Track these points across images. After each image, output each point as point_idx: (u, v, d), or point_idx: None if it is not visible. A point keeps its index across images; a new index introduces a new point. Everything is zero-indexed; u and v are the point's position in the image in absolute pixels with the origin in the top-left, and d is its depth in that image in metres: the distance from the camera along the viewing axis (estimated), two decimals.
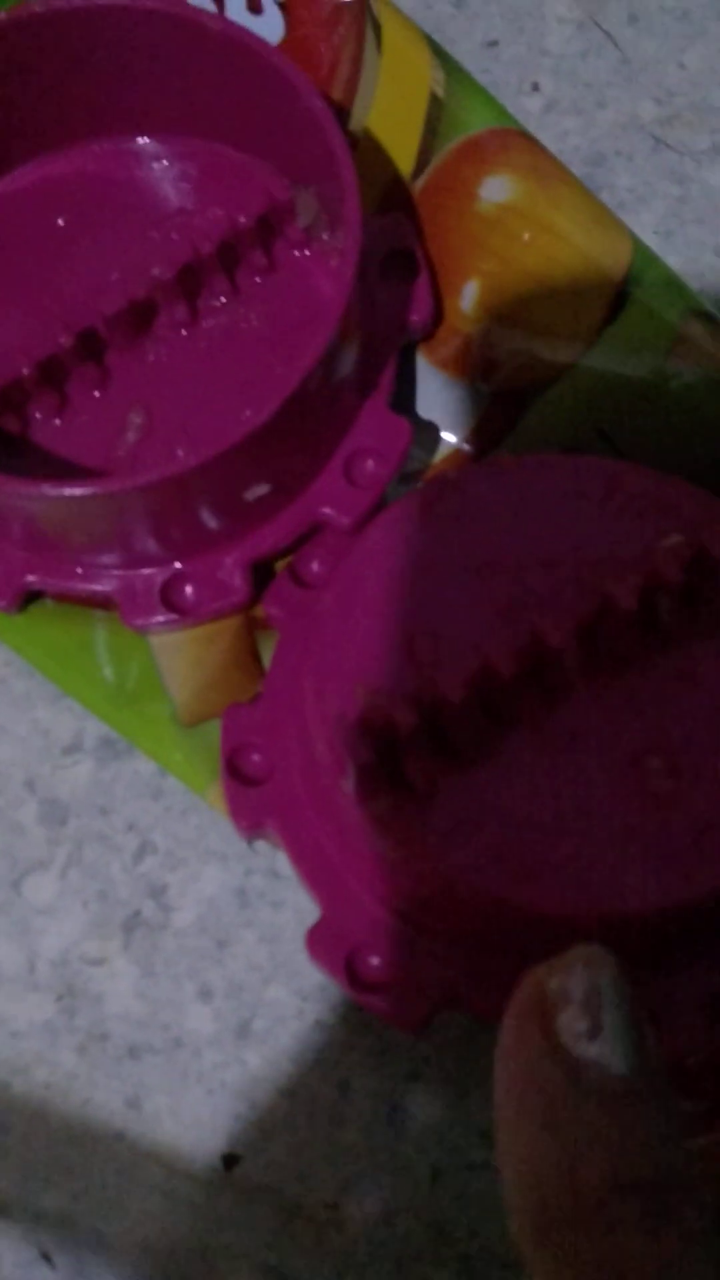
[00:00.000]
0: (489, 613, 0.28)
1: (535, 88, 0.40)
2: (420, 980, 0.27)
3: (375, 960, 0.28)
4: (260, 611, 0.33)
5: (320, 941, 0.28)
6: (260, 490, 0.31)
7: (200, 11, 0.32)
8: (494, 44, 0.40)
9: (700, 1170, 0.19)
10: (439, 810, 0.26)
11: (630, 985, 0.19)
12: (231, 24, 0.32)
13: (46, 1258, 0.30)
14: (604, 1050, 0.18)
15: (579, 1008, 0.18)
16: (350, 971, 0.27)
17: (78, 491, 0.28)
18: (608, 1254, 0.17)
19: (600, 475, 0.30)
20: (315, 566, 0.33)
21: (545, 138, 0.38)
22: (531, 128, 0.37)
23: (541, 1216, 0.17)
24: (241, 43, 0.32)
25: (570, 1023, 0.18)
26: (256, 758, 0.30)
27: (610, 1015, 0.18)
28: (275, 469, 0.31)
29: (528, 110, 0.39)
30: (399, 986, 0.27)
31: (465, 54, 0.39)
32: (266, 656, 0.33)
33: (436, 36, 0.38)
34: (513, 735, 0.27)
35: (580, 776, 0.27)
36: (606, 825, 0.26)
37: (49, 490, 0.28)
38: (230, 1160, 0.31)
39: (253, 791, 0.30)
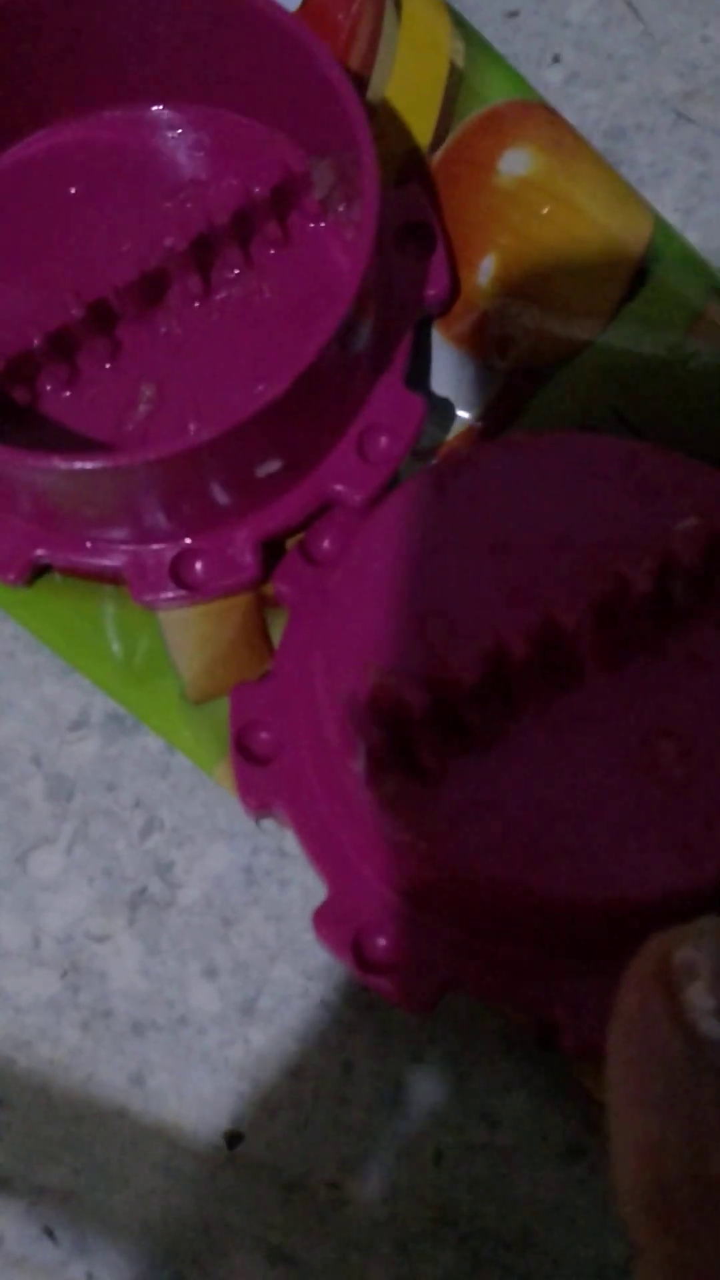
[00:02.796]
0: (502, 593, 0.28)
1: (556, 59, 0.39)
2: (426, 961, 0.27)
3: (382, 941, 0.28)
4: (270, 589, 0.33)
5: (327, 922, 0.28)
6: (272, 466, 0.31)
7: None
8: (515, 14, 0.40)
9: None
10: (449, 793, 0.26)
11: None
12: None
13: (49, 1233, 0.30)
14: None
15: (709, 983, 0.17)
16: (357, 952, 0.28)
17: (89, 465, 0.28)
18: None
19: (617, 455, 0.30)
20: (326, 544, 0.33)
21: (565, 110, 0.37)
22: (552, 100, 0.37)
23: (661, 1202, 0.17)
24: (259, 9, 0.31)
25: (699, 998, 0.17)
26: (265, 736, 0.30)
27: None
28: (288, 445, 0.31)
29: (548, 82, 0.39)
30: (405, 967, 0.27)
31: (485, 24, 0.39)
32: (276, 634, 0.33)
33: (457, 6, 0.38)
34: (524, 718, 0.27)
35: (591, 760, 0.27)
36: (617, 809, 0.26)
37: (60, 464, 0.28)
38: (233, 1138, 0.31)
39: (261, 770, 0.30)
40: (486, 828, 0.26)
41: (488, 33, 0.38)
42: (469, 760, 0.26)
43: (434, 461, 0.34)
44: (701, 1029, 0.17)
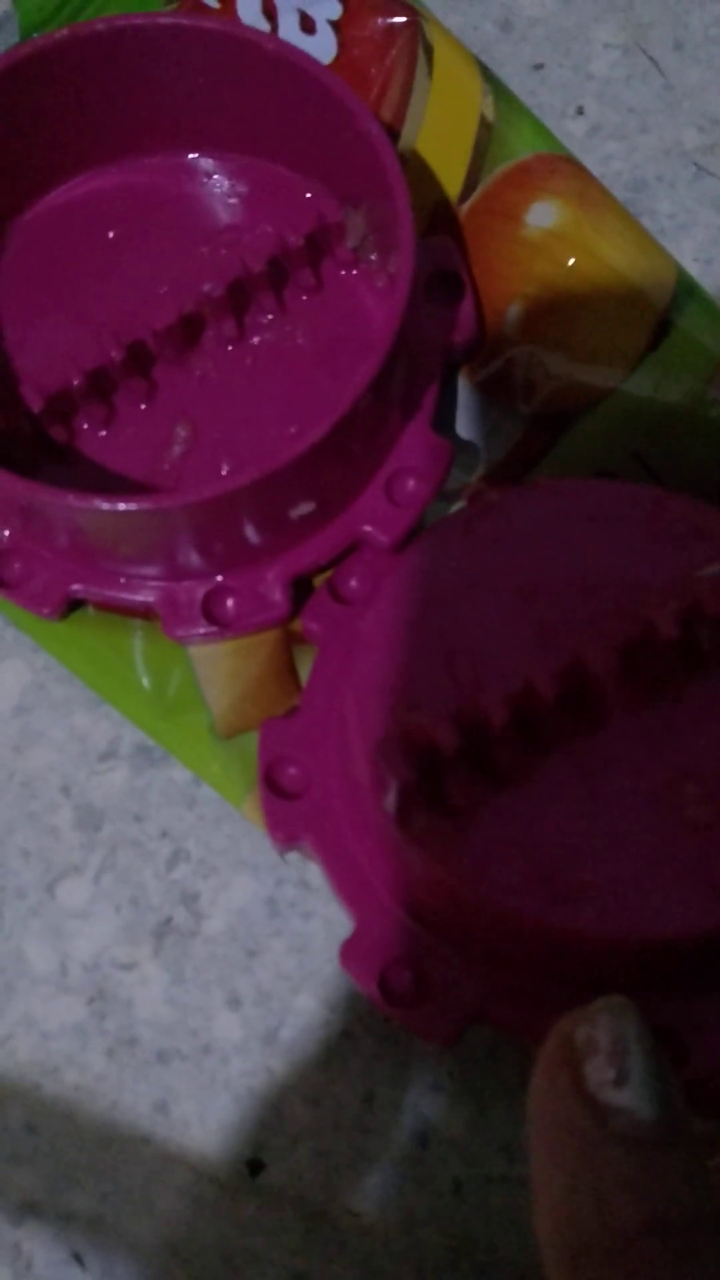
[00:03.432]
0: (530, 635, 0.29)
1: (580, 111, 0.40)
2: (451, 995, 0.28)
3: (407, 974, 0.28)
4: (298, 626, 0.33)
5: (354, 955, 0.29)
6: (306, 508, 0.32)
7: (256, 32, 0.33)
8: (540, 67, 0.41)
9: None
10: (477, 831, 0.27)
11: (654, 1033, 0.20)
12: (286, 45, 0.32)
13: (78, 1258, 0.30)
14: (631, 1097, 0.19)
15: (606, 1056, 0.19)
16: (383, 985, 0.28)
17: (129, 507, 0.29)
18: None
19: (641, 501, 0.31)
20: (354, 583, 0.33)
21: (588, 162, 0.38)
22: (575, 151, 0.38)
23: (575, 1254, 0.18)
24: (296, 64, 0.32)
25: (598, 1071, 0.19)
26: (293, 771, 0.31)
27: (636, 1063, 0.19)
28: (321, 487, 0.32)
29: (571, 134, 0.40)
30: (430, 1002, 0.28)
31: (511, 77, 0.40)
32: (303, 670, 0.34)
33: (483, 58, 0.39)
34: (551, 758, 0.28)
35: (616, 801, 0.27)
36: (642, 850, 0.27)
37: (102, 504, 0.29)
38: (255, 1166, 0.32)
39: (289, 805, 0.30)
40: (513, 865, 0.26)
41: (513, 85, 0.39)
42: (497, 799, 0.27)
43: (460, 504, 0.34)
44: (601, 1099, 0.19)
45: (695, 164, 0.40)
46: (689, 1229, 0.18)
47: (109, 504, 0.29)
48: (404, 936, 0.29)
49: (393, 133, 0.36)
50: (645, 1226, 0.18)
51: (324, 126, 0.33)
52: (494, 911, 0.26)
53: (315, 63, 0.32)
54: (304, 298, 0.35)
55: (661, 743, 0.28)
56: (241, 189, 0.36)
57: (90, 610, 0.34)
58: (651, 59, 0.41)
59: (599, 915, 0.26)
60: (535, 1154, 0.20)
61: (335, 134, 0.33)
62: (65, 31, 0.32)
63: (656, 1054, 0.20)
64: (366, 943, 0.29)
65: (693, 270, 0.37)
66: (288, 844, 0.30)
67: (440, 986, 0.28)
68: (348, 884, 0.30)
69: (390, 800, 0.27)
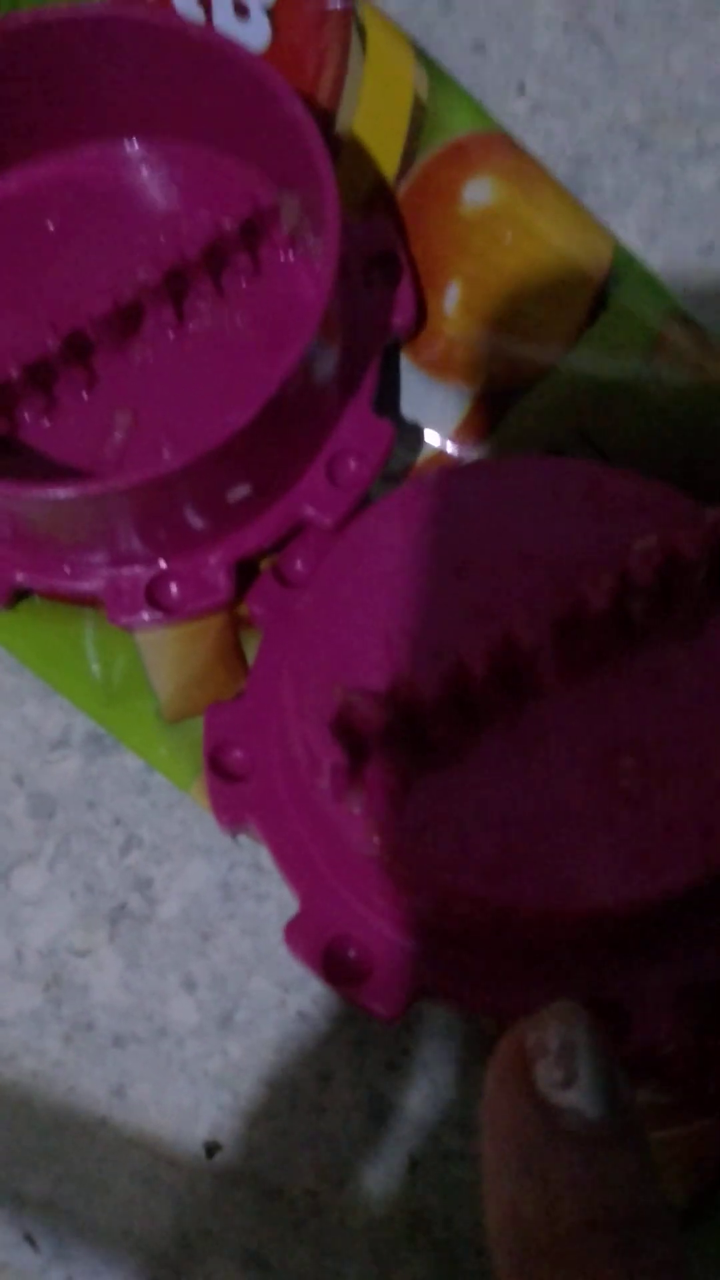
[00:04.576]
0: (465, 612, 0.29)
1: (521, 90, 0.40)
2: (397, 972, 0.28)
3: (353, 952, 0.28)
4: (245, 610, 0.33)
5: (299, 934, 0.28)
6: (242, 491, 0.31)
7: (181, 21, 0.33)
8: (481, 46, 0.40)
9: (671, 1159, 0.19)
10: (413, 807, 0.27)
11: (603, 1036, 0.20)
12: (212, 32, 0.32)
13: (30, 1240, 0.30)
14: (579, 1098, 0.19)
15: (555, 1058, 0.20)
16: (328, 962, 0.28)
17: (63, 494, 0.29)
18: None
19: (580, 477, 0.31)
20: (299, 565, 0.33)
21: (531, 139, 0.38)
22: (518, 130, 0.38)
23: (522, 1252, 0.19)
24: (222, 50, 0.32)
25: (547, 1073, 0.20)
26: (238, 754, 0.31)
27: (584, 1065, 0.20)
28: (258, 470, 0.32)
29: (514, 112, 0.40)
30: (376, 978, 0.28)
31: (452, 56, 0.39)
32: (251, 654, 0.34)
33: (423, 39, 0.38)
34: (486, 734, 0.27)
35: (553, 775, 0.27)
36: (579, 823, 0.27)
37: (36, 493, 0.29)
38: (212, 1148, 0.32)
39: (234, 788, 0.30)
40: (452, 841, 0.26)
41: (455, 65, 0.38)
42: (433, 776, 0.27)
43: (402, 484, 0.34)
44: (551, 1100, 0.19)
45: (639, 138, 0.39)
46: (634, 1225, 0.19)
47: (42, 492, 0.29)
48: (348, 914, 0.29)
49: (328, 115, 0.36)
50: (591, 1223, 0.18)
51: (254, 112, 0.33)
52: (433, 887, 0.26)
53: (241, 49, 0.32)
54: (242, 283, 0.35)
55: (596, 715, 0.28)
56: (177, 176, 0.35)
57: (37, 600, 0.34)
58: (592, 34, 0.41)
59: (537, 888, 0.26)
60: (486, 1157, 0.20)
61: (265, 119, 0.33)
62: None
63: (604, 1055, 0.20)
64: (311, 921, 0.29)
65: (637, 244, 0.37)
66: (233, 826, 0.30)
67: (385, 963, 0.28)
68: (292, 864, 0.30)
69: (325, 779, 0.27)
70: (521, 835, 0.27)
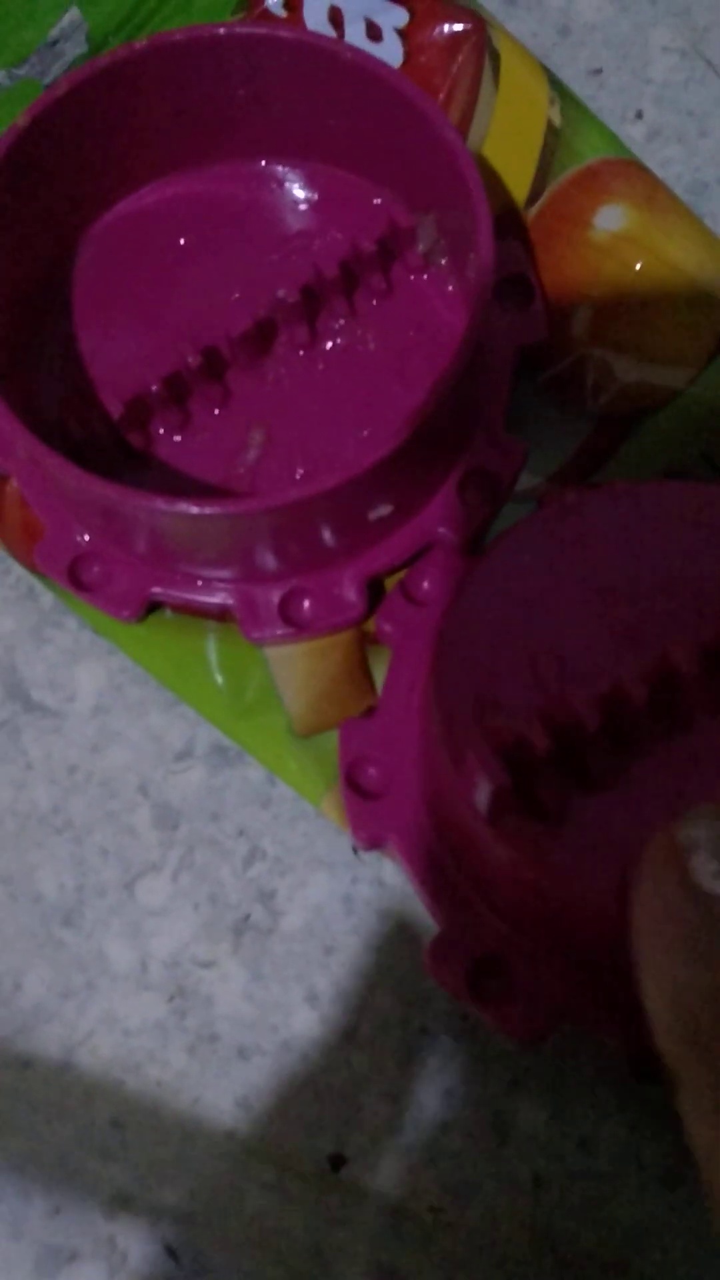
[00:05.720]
0: (613, 636, 0.28)
1: (639, 115, 0.40)
2: (540, 995, 0.27)
3: (496, 975, 0.28)
4: (371, 625, 0.33)
5: (440, 957, 0.28)
6: (383, 511, 0.31)
7: (333, 41, 0.32)
8: (598, 72, 0.40)
9: None
10: (568, 832, 0.26)
11: None
12: (363, 53, 0.32)
13: (171, 1252, 0.30)
14: None
15: (709, 850, 0.20)
16: (471, 985, 0.28)
17: (214, 511, 0.29)
18: None
19: (715, 501, 0.30)
20: (426, 585, 0.33)
21: (648, 165, 0.38)
22: (634, 155, 0.37)
23: (694, 1034, 0.20)
24: (373, 72, 0.32)
25: (702, 865, 0.20)
26: (373, 771, 0.31)
27: None
28: (399, 491, 0.31)
29: (631, 138, 0.39)
30: (519, 1001, 0.27)
31: (570, 81, 0.39)
32: (375, 669, 0.33)
33: (545, 63, 0.38)
34: (639, 759, 0.27)
35: (705, 799, 0.27)
36: None
37: (189, 509, 0.28)
38: (337, 1161, 0.31)
39: (371, 805, 0.30)
40: (605, 866, 0.26)
41: (573, 90, 0.38)
42: (587, 799, 0.27)
43: (529, 505, 0.34)
44: (706, 888, 0.20)
45: None
46: None
47: (196, 508, 0.28)
48: (491, 937, 0.28)
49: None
50: None
51: (398, 133, 0.32)
52: (586, 912, 0.26)
53: (394, 71, 0.32)
54: (374, 302, 0.34)
55: None
56: (312, 196, 0.35)
57: (167, 613, 0.34)
58: (709, 62, 0.40)
59: None
60: (644, 951, 0.21)
61: (410, 141, 0.32)
62: (144, 43, 0.31)
63: None
64: (452, 943, 0.28)
65: None
66: (371, 845, 0.30)
67: (528, 986, 0.28)
68: (431, 884, 0.29)
69: (483, 801, 0.26)
70: None
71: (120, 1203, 0.31)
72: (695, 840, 0.21)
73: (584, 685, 0.27)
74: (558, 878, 0.26)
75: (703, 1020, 0.20)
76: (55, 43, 0.37)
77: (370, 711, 0.32)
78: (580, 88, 0.40)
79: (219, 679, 0.34)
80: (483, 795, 0.26)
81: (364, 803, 0.30)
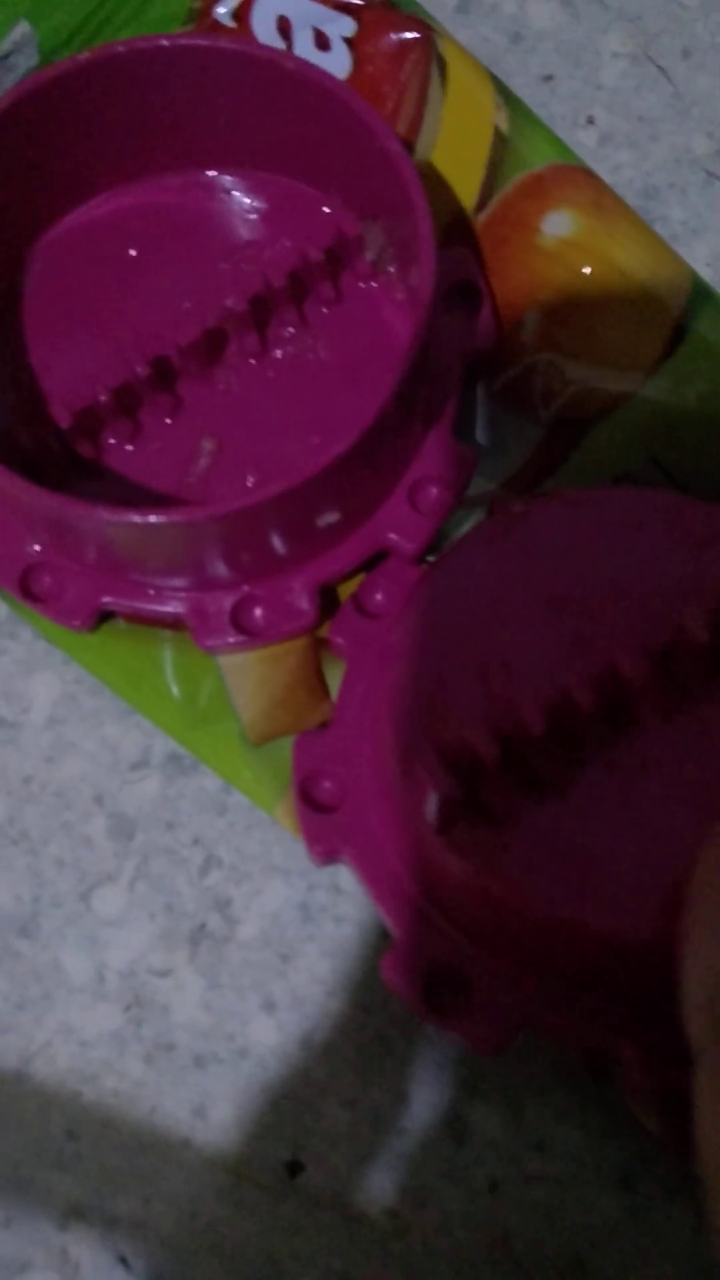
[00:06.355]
0: (562, 644, 0.28)
1: (590, 121, 0.40)
2: (497, 1004, 0.27)
3: (451, 985, 0.28)
4: (325, 633, 0.33)
5: (396, 967, 0.28)
6: (332, 518, 0.31)
7: (275, 51, 0.32)
8: (549, 78, 0.40)
9: None
10: (518, 839, 0.26)
11: None
12: (305, 63, 0.32)
13: (124, 1261, 0.30)
14: None
15: None
16: (428, 997, 0.27)
17: (160, 519, 0.28)
18: None
19: (662, 508, 0.30)
20: (379, 597, 0.33)
21: (600, 171, 0.37)
22: (586, 161, 0.37)
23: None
24: (315, 82, 0.31)
25: None
26: (328, 785, 0.30)
27: None
28: (347, 497, 0.31)
29: (582, 144, 0.39)
30: (476, 1011, 0.27)
31: (521, 88, 0.39)
32: (329, 676, 0.33)
33: (492, 71, 0.38)
34: (588, 765, 0.27)
35: (655, 805, 0.27)
36: (682, 853, 0.26)
37: (134, 518, 0.28)
38: (294, 1168, 0.31)
39: (326, 819, 0.30)
40: (555, 872, 0.26)
41: (523, 96, 0.38)
42: (536, 806, 0.26)
43: (480, 511, 0.34)
44: None
45: (705, 170, 0.39)
46: None
47: (140, 517, 0.28)
48: (446, 946, 0.28)
49: (408, 146, 0.35)
50: None
51: (343, 143, 0.32)
52: (537, 919, 0.26)
53: (335, 80, 0.32)
54: (324, 310, 0.34)
55: (695, 744, 0.27)
56: (260, 205, 0.35)
57: (120, 622, 0.33)
58: (660, 68, 0.40)
59: (640, 919, 0.26)
60: (693, 933, 0.21)
61: (354, 150, 0.32)
62: (88, 55, 0.31)
63: None
64: (408, 954, 0.28)
65: (706, 275, 0.37)
66: (326, 858, 0.30)
67: (485, 996, 0.28)
68: (387, 895, 0.29)
69: (431, 811, 0.26)
70: (626, 866, 0.26)
71: (73, 1213, 0.30)
72: None
73: (531, 692, 0.27)
74: (508, 885, 0.26)
75: None
76: (7, 56, 0.36)
77: (325, 725, 0.32)
78: (531, 94, 0.40)
79: (175, 689, 0.33)
80: (431, 805, 0.26)
81: (318, 816, 0.30)
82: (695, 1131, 0.20)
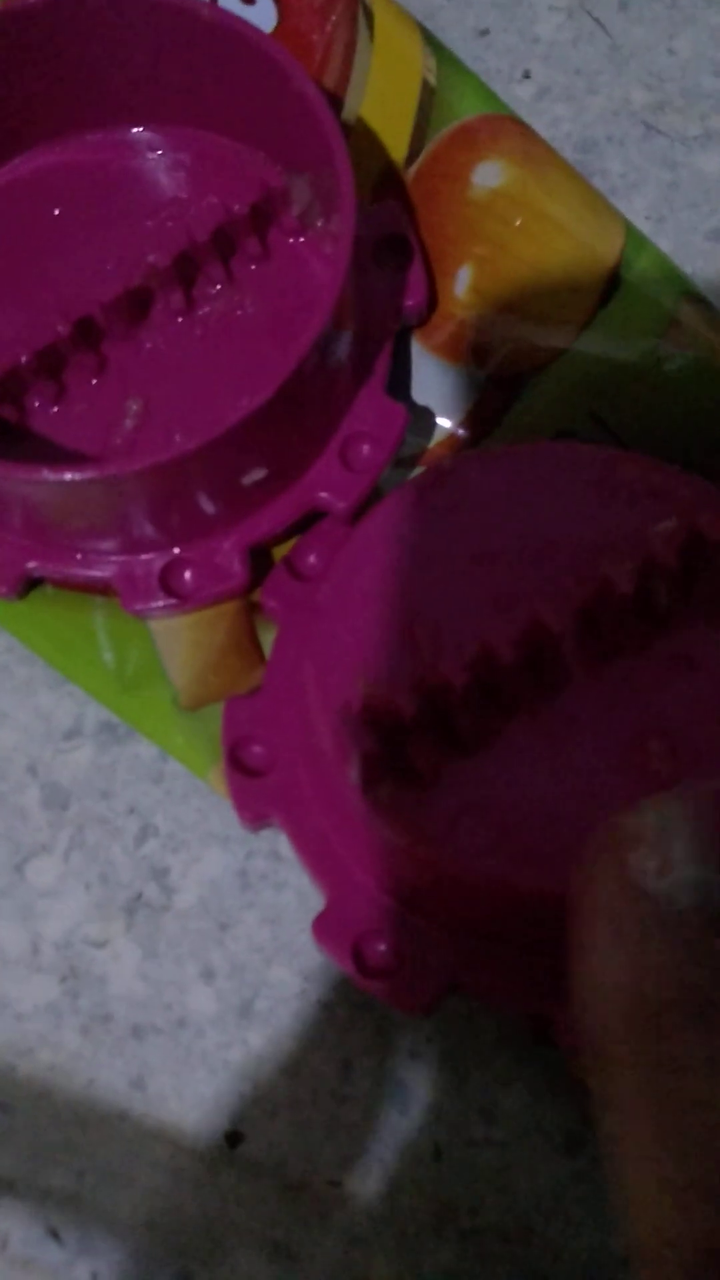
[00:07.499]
0: (488, 600, 0.27)
1: (527, 75, 0.38)
2: (426, 965, 0.26)
3: (381, 947, 0.27)
4: (258, 596, 0.32)
5: (327, 930, 0.27)
6: (257, 475, 0.30)
7: (191, 1, 0.31)
8: (485, 32, 0.39)
9: None
10: (442, 797, 0.25)
11: (704, 825, 0.19)
12: (224, 12, 0.31)
13: (54, 1234, 0.29)
14: (671, 885, 0.19)
15: (650, 847, 0.19)
16: (357, 958, 0.27)
17: (77, 476, 0.27)
18: (667, 1052, 0.18)
19: (595, 463, 0.29)
20: (312, 559, 0.32)
21: (537, 124, 0.36)
22: (523, 115, 0.36)
23: (615, 1024, 0.19)
24: (234, 31, 0.30)
25: (641, 860, 0.19)
26: (258, 749, 0.29)
27: (679, 853, 0.19)
28: (272, 453, 0.30)
29: (519, 97, 0.38)
30: (405, 972, 0.26)
31: (457, 42, 0.38)
32: (265, 641, 0.32)
33: (428, 25, 0.37)
34: (513, 722, 0.26)
35: (581, 761, 0.26)
36: (609, 808, 0.25)
37: (49, 475, 0.27)
38: (234, 1138, 0.30)
39: (255, 783, 0.29)
40: (481, 829, 0.25)
41: (459, 50, 0.37)
42: (461, 765, 0.25)
43: (416, 472, 0.33)
44: (640, 885, 0.19)
45: (644, 122, 0.38)
46: (716, 1006, 0.18)
47: (56, 475, 0.27)
48: (376, 909, 0.27)
49: (336, 100, 0.34)
50: (676, 1001, 0.18)
51: (264, 94, 0.31)
52: (463, 877, 0.25)
53: (251, 28, 0.30)
54: (252, 267, 0.33)
55: (623, 700, 0.26)
56: (185, 161, 0.34)
57: (49, 588, 0.32)
58: (596, 20, 0.39)
59: (567, 876, 0.25)
60: (577, 937, 0.20)
61: (276, 101, 0.31)
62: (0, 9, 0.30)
63: (701, 844, 0.19)
64: (338, 917, 0.27)
65: (644, 228, 0.36)
66: (255, 823, 0.29)
67: (414, 957, 0.27)
68: (317, 859, 0.28)
69: (354, 771, 0.25)
70: (552, 822, 0.25)
71: (4, 1188, 0.29)
72: (638, 833, 0.19)
73: (455, 648, 0.26)
74: (432, 844, 0.25)
75: (623, 1016, 0.19)
76: None
77: (256, 690, 0.31)
78: (467, 48, 0.38)
79: (107, 655, 0.32)
80: (354, 764, 0.25)
81: (248, 780, 0.29)
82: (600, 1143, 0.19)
